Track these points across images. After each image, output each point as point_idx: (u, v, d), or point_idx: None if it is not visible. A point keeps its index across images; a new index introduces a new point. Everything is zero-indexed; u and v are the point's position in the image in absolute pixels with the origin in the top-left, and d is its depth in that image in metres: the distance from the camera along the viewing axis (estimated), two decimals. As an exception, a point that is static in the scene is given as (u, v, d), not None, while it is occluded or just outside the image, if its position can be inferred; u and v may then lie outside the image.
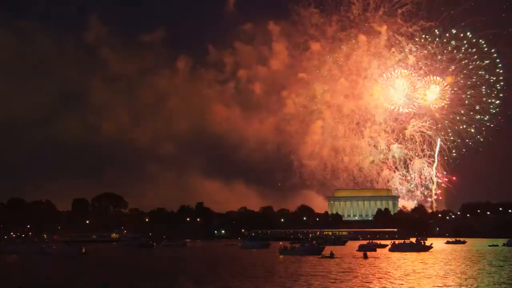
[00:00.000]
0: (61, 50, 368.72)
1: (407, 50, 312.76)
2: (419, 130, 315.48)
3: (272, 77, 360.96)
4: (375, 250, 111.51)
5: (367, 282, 51.08)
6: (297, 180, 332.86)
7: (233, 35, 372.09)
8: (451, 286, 48.21)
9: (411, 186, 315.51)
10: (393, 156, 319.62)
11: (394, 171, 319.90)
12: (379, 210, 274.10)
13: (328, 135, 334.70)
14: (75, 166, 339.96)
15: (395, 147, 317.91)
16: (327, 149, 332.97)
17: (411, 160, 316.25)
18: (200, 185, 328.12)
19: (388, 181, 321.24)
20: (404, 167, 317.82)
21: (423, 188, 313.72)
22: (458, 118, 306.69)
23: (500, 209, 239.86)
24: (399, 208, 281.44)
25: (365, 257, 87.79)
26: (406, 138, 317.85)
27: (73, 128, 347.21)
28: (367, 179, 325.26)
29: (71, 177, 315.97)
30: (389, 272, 62.03)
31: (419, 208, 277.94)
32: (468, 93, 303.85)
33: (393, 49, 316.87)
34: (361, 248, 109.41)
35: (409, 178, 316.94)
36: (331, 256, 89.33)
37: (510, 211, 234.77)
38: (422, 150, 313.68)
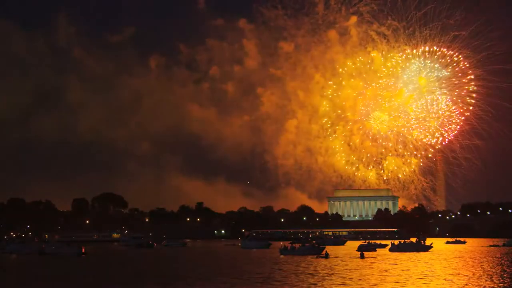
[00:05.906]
0: (34, 49, 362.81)
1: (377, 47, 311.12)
2: (394, 129, 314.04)
3: (247, 76, 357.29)
4: (375, 250, 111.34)
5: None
6: (274, 180, 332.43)
7: (204, 32, 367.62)
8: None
9: (390, 184, 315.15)
10: (368, 155, 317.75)
11: (370, 170, 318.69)
12: (379, 210, 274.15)
13: (303, 134, 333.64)
14: (52, 166, 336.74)
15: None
16: (302, 148, 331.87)
17: (385, 159, 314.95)
18: (179, 184, 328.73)
19: (364, 181, 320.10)
20: (379, 166, 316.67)
21: (402, 185, 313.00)
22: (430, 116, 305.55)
23: (500, 209, 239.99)
24: (399, 208, 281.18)
25: (362, 257, 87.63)
26: (380, 137, 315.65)
27: (49, 128, 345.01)
28: (343, 179, 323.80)
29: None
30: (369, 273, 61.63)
31: (419, 208, 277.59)
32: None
33: (367, 47, 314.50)
34: (361, 248, 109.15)
35: (384, 176, 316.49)
36: (326, 256, 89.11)
37: (510, 211, 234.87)
38: (396, 150, 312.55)
